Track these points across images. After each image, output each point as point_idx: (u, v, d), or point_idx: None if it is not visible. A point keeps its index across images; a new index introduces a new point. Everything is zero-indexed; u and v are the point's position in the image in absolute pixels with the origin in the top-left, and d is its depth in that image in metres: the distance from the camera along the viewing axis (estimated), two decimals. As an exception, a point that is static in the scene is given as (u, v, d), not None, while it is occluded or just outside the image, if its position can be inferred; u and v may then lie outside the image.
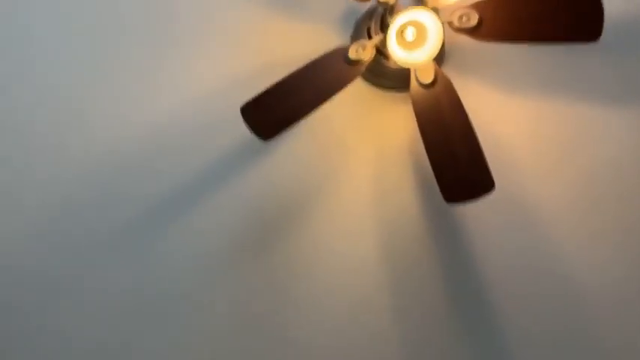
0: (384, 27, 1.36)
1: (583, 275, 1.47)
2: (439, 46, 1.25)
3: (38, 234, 1.45)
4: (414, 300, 1.47)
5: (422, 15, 1.23)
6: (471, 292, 1.48)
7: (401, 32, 1.27)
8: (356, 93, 1.46)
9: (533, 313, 1.48)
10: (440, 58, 1.45)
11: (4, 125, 1.43)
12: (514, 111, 1.47)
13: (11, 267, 1.45)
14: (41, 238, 1.45)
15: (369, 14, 1.42)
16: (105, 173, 1.45)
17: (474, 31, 1.23)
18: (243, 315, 1.47)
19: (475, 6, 1.22)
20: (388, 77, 1.46)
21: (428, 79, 1.29)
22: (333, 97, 1.27)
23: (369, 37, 1.39)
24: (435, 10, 1.24)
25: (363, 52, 1.27)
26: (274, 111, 1.27)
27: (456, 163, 1.27)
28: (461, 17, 1.23)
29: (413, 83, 1.30)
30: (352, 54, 1.27)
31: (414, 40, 1.27)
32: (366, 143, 1.48)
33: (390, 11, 1.31)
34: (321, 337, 1.50)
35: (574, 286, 1.47)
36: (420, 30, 1.26)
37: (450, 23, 1.24)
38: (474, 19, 1.22)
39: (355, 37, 1.44)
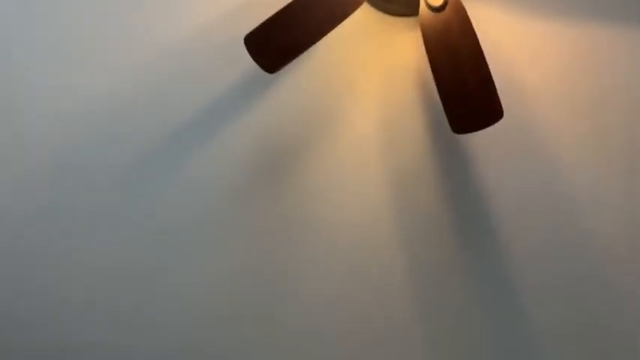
0: (391, -55, 1.27)
1: (589, 201, 1.48)
2: (451, -34, 1.18)
3: (56, 168, 1.47)
4: (421, 229, 1.50)
5: None
6: (478, 219, 1.50)
7: (410, -49, 1.19)
8: (362, 19, 1.40)
9: (539, 241, 1.51)
10: (451, -21, 1.37)
11: (5, 66, 1.41)
12: (527, 35, 1.41)
13: (30, 204, 1.49)
14: (58, 173, 1.47)
15: None
16: (111, 108, 1.44)
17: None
18: (252, 245, 1.51)
19: None
20: (396, 1, 1.39)
21: (438, 1, 1.23)
22: (340, 23, 1.22)
23: (376, -44, 1.31)
24: None
25: (370, -26, 1.20)
26: (279, 40, 1.23)
27: (465, 91, 1.24)
28: None
29: (422, 7, 1.25)
30: (358, -23, 1.20)
31: (424, -40, 1.20)
32: (373, 71, 1.45)
33: None
34: (329, 263, 1.55)
35: (580, 211, 1.49)
36: (431, -52, 1.18)
37: (463, -60, 1.17)
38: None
39: (361, -44, 1.36)
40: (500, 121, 1.25)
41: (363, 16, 1.41)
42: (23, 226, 1.49)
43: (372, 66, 1.45)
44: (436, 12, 1.24)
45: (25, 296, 1.52)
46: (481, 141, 1.46)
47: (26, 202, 1.48)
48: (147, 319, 1.53)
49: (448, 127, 1.28)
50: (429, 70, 1.27)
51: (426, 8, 1.24)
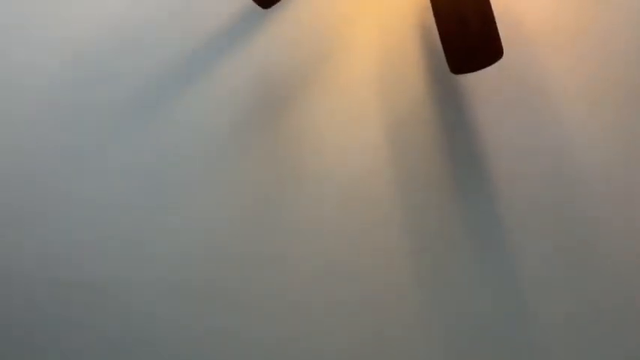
0: None
1: (589, 143, 1.46)
2: None
3: (48, 108, 1.45)
4: (418, 172, 1.49)
5: None
6: (473, 166, 1.49)
7: None
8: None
9: (533, 191, 1.49)
10: None
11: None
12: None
13: (25, 142, 1.47)
14: (49, 113, 1.46)
15: None
16: (107, 46, 1.41)
17: None
18: (245, 186, 1.51)
19: None
20: None
21: (440, -64, 1.18)
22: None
23: None
24: None
25: None
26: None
27: (466, 30, 1.21)
28: None
29: (424, -58, 1.20)
30: None
31: None
32: (371, 10, 1.40)
33: None
34: (325, 208, 1.54)
35: (576, 164, 1.48)
36: None
37: None
38: None
39: None
40: (501, 65, 1.22)
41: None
42: (17, 161, 1.48)
43: (371, 4, 1.40)
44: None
45: (23, 232, 1.53)
46: (481, 85, 1.43)
47: (19, 138, 1.47)
48: (144, 254, 1.54)
49: (448, 70, 1.25)
50: (430, 10, 1.24)
51: (428, -57, 1.19)
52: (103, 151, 1.49)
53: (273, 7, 1.31)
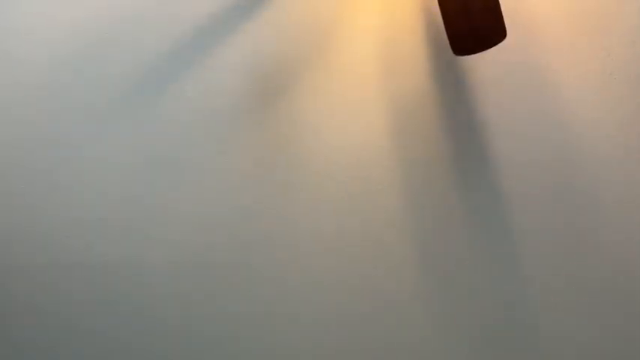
0: None
1: (591, 125, 1.45)
2: None
3: (49, 89, 1.46)
4: (420, 154, 1.48)
5: None
6: (475, 151, 1.48)
7: None
8: None
9: (536, 177, 1.49)
10: None
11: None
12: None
13: (20, 125, 1.48)
14: (49, 95, 1.47)
15: None
16: (100, 25, 1.42)
17: None
18: (247, 168, 1.51)
19: None
20: None
21: None
22: None
23: None
24: None
25: None
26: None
27: (468, 11, 1.19)
28: None
29: None
30: None
31: None
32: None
33: None
34: (325, 189, 1.54)
35: (581, 152, 1.47)
36: None
37: None
38: None
39: None
40: (505, 48, 1.21)
41: None
42: (19, 136, 1.49)
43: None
44: None
45: (26, 213, 1.54)
46: (484, 68, 1.42)
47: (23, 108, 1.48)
48: (142, 234, 1.55)
49: (451, 52, 1.24)
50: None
51: None
52: (101, 141, 1.50)
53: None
